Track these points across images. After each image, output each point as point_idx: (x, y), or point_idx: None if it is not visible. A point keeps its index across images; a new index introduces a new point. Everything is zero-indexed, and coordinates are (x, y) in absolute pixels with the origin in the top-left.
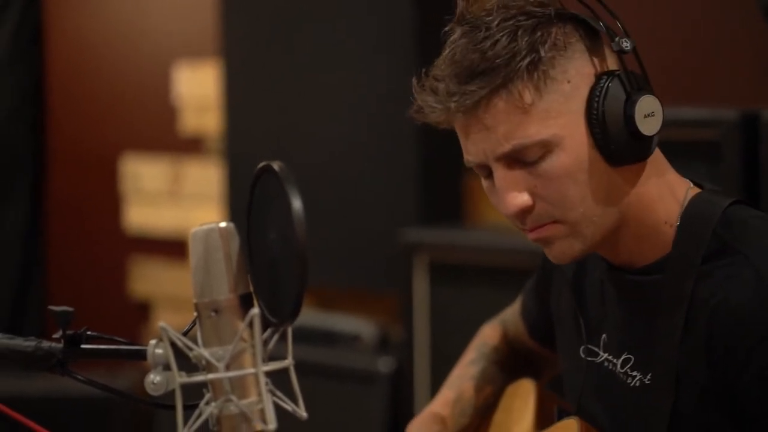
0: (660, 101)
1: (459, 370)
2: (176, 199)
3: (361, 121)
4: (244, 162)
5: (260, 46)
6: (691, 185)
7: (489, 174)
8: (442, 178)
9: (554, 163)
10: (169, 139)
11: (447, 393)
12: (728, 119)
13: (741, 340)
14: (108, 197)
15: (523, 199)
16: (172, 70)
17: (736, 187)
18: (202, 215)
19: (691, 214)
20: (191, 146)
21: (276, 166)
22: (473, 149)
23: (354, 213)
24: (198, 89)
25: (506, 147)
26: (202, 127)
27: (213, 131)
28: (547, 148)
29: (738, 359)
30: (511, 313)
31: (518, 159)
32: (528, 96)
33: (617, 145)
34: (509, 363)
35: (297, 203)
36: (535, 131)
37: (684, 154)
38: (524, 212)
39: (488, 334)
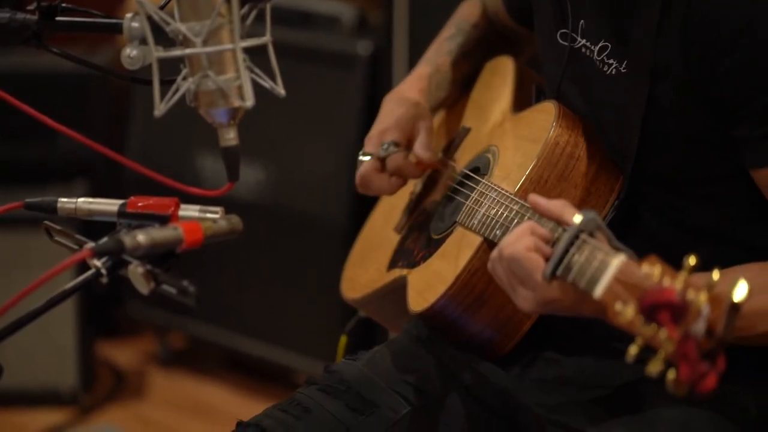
0: None
1: (436, 46)
2: None
3: None
4: None
5: None
6: None
7: None
8: None
9: None
10: None
11: (423, 68)
12: None
13: (716, 34)
14: None
15: None
16: None
17: None
18: None
19: None
20: None
21: None
22: None
23: None
24: None
25: None
26: None
27: None
28: None
29: (713, 54)
30: None
31: None
32: None
33: None
34: (488, 39)
35: None
36: None
37: None
38: None
39: (467, 11)
